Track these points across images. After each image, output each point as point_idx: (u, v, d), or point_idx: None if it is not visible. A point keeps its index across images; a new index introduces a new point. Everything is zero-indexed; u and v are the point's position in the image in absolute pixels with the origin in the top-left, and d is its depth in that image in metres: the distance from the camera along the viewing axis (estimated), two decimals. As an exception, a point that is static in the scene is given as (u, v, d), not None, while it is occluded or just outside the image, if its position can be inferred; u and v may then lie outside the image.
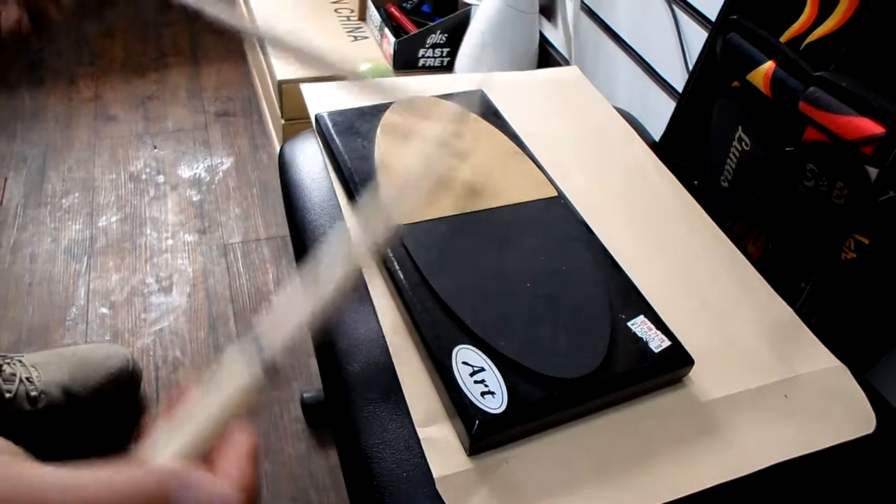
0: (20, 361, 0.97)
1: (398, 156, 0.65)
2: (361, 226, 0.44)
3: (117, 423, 1.03)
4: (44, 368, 0.98)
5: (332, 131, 0.67)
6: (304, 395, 1.06)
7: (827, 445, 0.50)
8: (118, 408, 1.03)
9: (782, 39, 0.62)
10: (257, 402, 0.35)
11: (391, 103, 0.71)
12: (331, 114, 0.69)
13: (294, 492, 0.98)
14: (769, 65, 0.62)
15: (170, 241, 1.34)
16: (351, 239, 0.42)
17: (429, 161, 0.51)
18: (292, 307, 0.38)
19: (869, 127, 0.54)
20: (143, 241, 1.33)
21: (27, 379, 0.95)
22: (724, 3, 0.69)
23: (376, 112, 0.69)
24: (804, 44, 0.61)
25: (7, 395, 0.93)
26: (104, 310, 1.19)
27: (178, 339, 1.16)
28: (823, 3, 0.59)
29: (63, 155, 1.50)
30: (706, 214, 0.67)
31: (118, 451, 1.00)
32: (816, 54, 0.60)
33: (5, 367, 0.95)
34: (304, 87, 0.75)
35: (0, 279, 1.23)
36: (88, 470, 0.26)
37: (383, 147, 0.66)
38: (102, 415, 1.01)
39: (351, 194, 0.62)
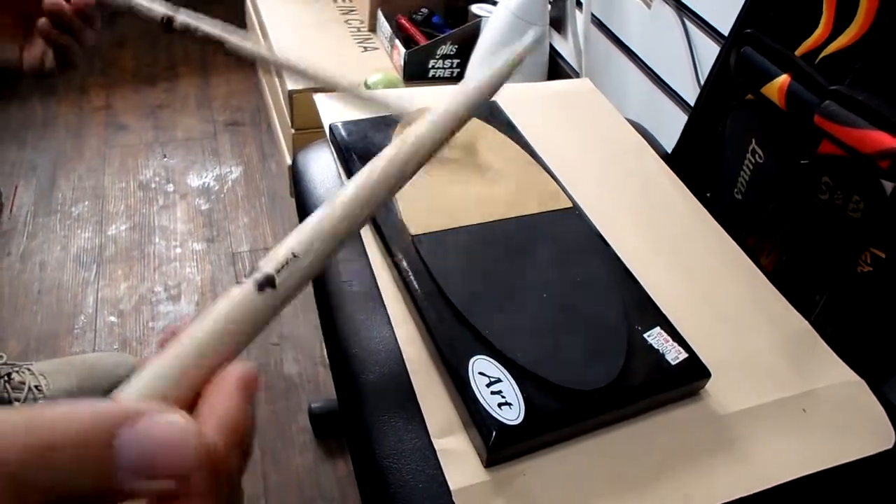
0: (29, 370, 0.97)
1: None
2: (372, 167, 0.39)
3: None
4: (52, 377, 0.98)
5: (347, 141, 0.67)
6: (312, 406, 1.06)
7: (845, 461, 0.50)
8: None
9: (797, 53, 0.63)
10: (256, 332, 0.30)
11: (405, 113, 0.71)
12: (345, 123, 0.69)
13: (301, 502, 0.98)
14: (784, 78, 0.62)
15: (178, 250, 1.34)
16: (359, 177, 0.37)
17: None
18: (297, 233, 0.33)
19: (885, 141, 0.54)
20: (151, 250, 1.33)
21: (36, 387, 0.95)
22: (738, 16, 0.69)
23: (391, 122, 0.70)
24: (819, 57, 0.61)
25: (16, 403, 0.93)
26: (112, 318, 1.19)
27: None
28: (839, 18, 0.59)
29: (73, 163, 1.51)
30: (720, 226, 0.67)
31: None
32: (832, 68, 0.60)
33: (14, 375, 0.95)
34: (317, 97, 0.75)
35: (9, 287, 1.23)
36: (46, 406, 0.22)
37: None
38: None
39: (365, 204, 0.62)
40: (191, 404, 0.26)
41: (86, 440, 0.21)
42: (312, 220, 0.33)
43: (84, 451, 0.21)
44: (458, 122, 0.43)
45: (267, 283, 0.30)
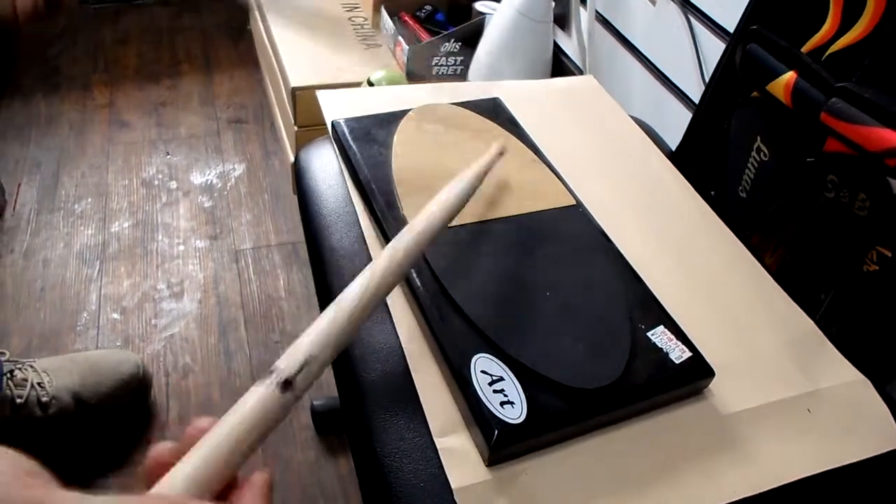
0: (31, 367, 0.97)
1: (415, 163, 0.65)
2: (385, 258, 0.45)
3: (127, 430, 1.03)
4: (55, 374, 0.98)
5: (349, 138, 0.67)
6: (314, 403, 1.06)
7: (850, 461, 0.50)
8: (128, 414, 1.03)
9: (804, 50, 0.62)
10: (275, 428, 0.33)
11: (408, 110, 0.70)
12: (347, 120, 0.69)
13: (303, 500, 0.98)
14: (790, 75, 0.62)
15: (181, 247, 1.34)
16: (374, 269, 0.43)
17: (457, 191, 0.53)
18: (312, 332, 0.38)
19: (893, 138, 0.53)
20: (154, 247, 1.33)
21: (38, 384, 0.95)
22: (744, 13, 0.69)
23: (393, 119, 0.69)
24: (826, 54, 0.61)
25: (18, 400, 0.93)
26: (115, 315, 1.19)
27: (188, 346, 1.16)
28: (846, 14, 0.58)
29: (76, 161, 1.51)
30: (724, 225, 0.67)
31: (127, 458, 1.00)
32: (839, 65, 0.59)
33: (17, 372, 0.95)
34: (320, 93, 0.75)
35: (13, 284, 1.23)
36: (100, 495, 0.25)
37: (400, 154, 0.65)
38: (112, 421, 1.01)
39: (367, 201, 0.62)
40: (223, 497, 0.30)
41: None
42: (323, 324, 0.38)
43: None
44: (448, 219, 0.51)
45: (288, 385, 0.34)
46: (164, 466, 0.30)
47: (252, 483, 0.31)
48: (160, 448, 0.31)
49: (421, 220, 0.48)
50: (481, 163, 0.57)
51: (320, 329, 0.38)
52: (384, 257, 0.44)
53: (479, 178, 0.56)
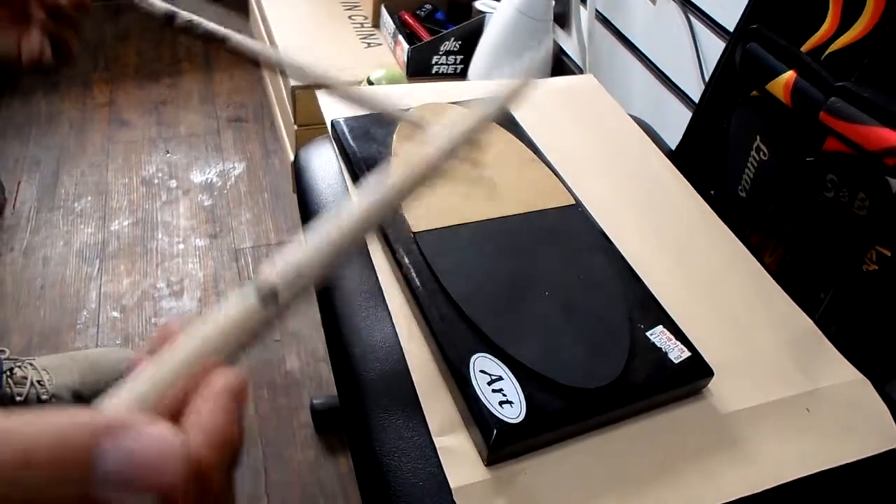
0: (31, 364, 0.97)
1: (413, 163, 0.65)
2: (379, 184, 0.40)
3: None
4: (55, 372, 0.98)
5: (349, 137, 0.67)
6: (314, 402, 1.06)
7: (849, 460, 0.50)
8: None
9: (803, 49, 0.62)
10: (254, 342, 0.29)
11: (407, 109, 0.70)
12: (347, 119, 0.69)
13: (302, 499, 0.98)
14: (789, 74, 0.62)
15: (181, 246, 1.34)
16: (368, 194, 0.37)
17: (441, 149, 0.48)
18: (301, 247, 0.33)
19: (892, 138, 0.53)
20: (154, 246, 1.33)
21: (38, 382, 0.95)
22: (744, 12, 0.69)
23: (392, 119, 0.69)
24: (825, 54, 0.61)
25: (18, 398, 0.93)
26: (115, 314, 1.19)
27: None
28: (846, 14, 0.58)
29: (76, 159, 1.51)
30: (723, 224, 0.67)
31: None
32: (838, 64, 0.59)
33: (17, 370, 0.95)
34: (319, 92, 0.75)
35: (12, 282, 1.23)
36: (31, 415, 0.21)
37: (399, 153, 0.65)
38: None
39: (367, 200, 0.62)
40: (180, 411, 0.25)
41: (63, 452, 0.21)
42: (318, 235, 0.34)
43: (62, 463, 0.21)
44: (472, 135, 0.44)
45: (271, 297, 0.30)
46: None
47: (212, 384, 0.26)
48: (139, 356, 0.27)
49: (425, 153, 0.42)
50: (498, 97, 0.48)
51: (316, 239, 0.34)
52: (381, 182, 0.39)
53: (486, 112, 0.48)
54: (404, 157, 0.42)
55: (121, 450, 0.21)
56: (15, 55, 0.48)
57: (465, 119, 0.46)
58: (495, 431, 0.45)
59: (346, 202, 0.38)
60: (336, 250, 0.34)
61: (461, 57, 1.35)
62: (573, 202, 0.63)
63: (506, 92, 0.51)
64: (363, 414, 0.50)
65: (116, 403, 0.25)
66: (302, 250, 0.33)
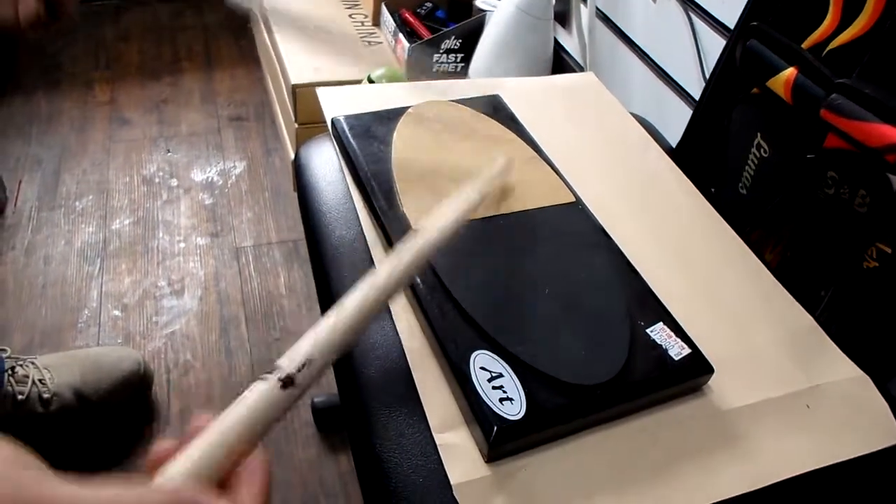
0: (33, 363, 0.98)
1: (415, 160, 0.65)
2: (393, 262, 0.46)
3: (128, 426, 1.03)
4: (56, 370, 0.98)
5: (349, 135, 0.67)
6: (315, 400, 1.06)
7: (849, 457, 0.50)
8: (129, 410, 1.03)
9: (804, 46, 0.62)
10: (277, 424, 0.34)
11: (408, 107, 0.70)
12: (347, 117, 0.69)
13: (304, 497, 0.98)
14: (790, 71, 0.61)
15: (182, 245, 1.34)
16: (379, 274, 0.44)
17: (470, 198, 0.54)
18: (316, 331, 0.39)
19: (893, 134, 0.53)
20: (155, 244, 1.33)
21: (40, 381, 0.95)
22: (744, 9, 0.69)
23: (393, 116, 0.69)
24: (826, 50, 0.60)
25: (20, 396, 0.93)
26: (116, 312, 1.20)
27: (189, 342, 1.16)
28: (846, 10, 0.58)
29: (78, 158, 1.51)
30: (724, 221, 0.67)
31: (128, 455, 1.00)
32: (839, 61, 0.59)
33: (18, 368, 0.96)
34: (320, 91, 0.75)
35: (14, 281, 1.24)
36: (99, 486, 0.26)
37: (400, 151, 0.65)
38: (113, 417, 1.01)
39: (367, 197, 0.62)
40: (222, 486, 0.30)
41: None
42: (324, 329, 0.39)
43: None
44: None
45: (289, 382, 0.35)
46: (166, 462, 0.30)
47: (249, 467, 0.31)
48: (162, 444, 0.31)
49: (426, 233, 0.49)
50: (486, 177, 0.58)
51: (321, 333, 0.39)
52: (386, 267, 0.45)
53: (484, 191, 0.57)
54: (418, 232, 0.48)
55: None
56: (13, 20, 0.49)
57: (454, 207, 0.52)
58: (496, 428, 0.45)
59: (350, 292, 0.43)
60: (343, 341, 0.40)
61: (462, 55, 1.35)
62: (573, 200, 0.63)
63: (492, 178, 0.58)
64: (364, 411, 0.50)
65: (176, 476, 0.29)
66: (313, 341, 0.38)
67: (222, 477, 0.31)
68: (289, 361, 0.36)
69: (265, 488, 0.31)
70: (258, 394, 0.34)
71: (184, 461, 0.30)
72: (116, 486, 0.26)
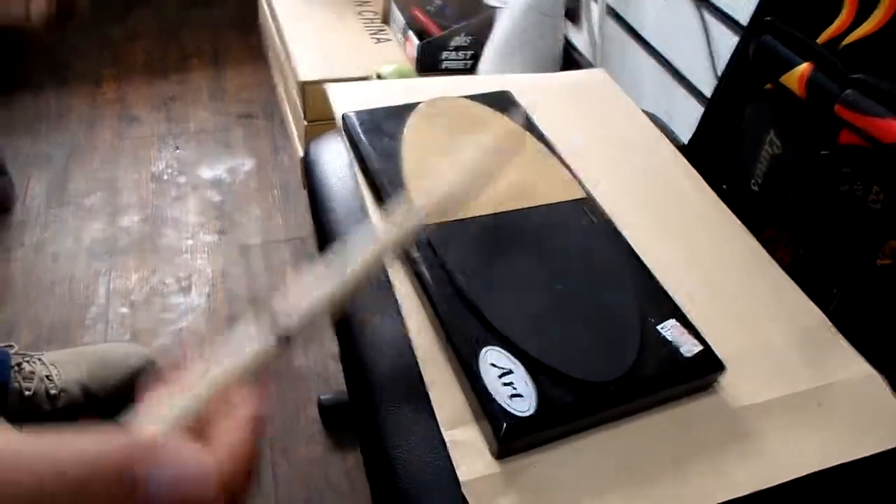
0: (40, 360, 0.98)
1: (426, 155, 0.65)
2: (390, 222, 0.45)
3: (136, 422, 1.03)
4: (63, 367, 0.98)
5: (359, 130, 0.67)
6: (322, 398, 1.06)
7: (861, 455, 0.49)
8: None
9: (818, 41, 0.61)
10: (266, 372, 0.33)
11: (418, 103, 0.70)
12: (358, 113, 0.68)
13: (309, 494, 0.98)
14: (805, 67, 0.61)
15: (190, 242, 1.34)
16: (378, 231, 0.43)
17: (469, 164, 0.52)
18: (313, 284, 0.37)
19: (908, 130, 0.53)
20: (163, 242, 1.34)
21: (47, 377, 0.96)
22: (758, 5, 0.68)
23: (403, 112, 0.69)
24: (841, 46, 0.60)
25: (27, 392, 0.93)
26: (124, 309, 1.20)
27: (196, 339, 1.16)
28: (862, 5, 0.58)
29: (86, 155, 1.51)
30: (736, 218, 0.66)
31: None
32: (854, 56, 0.58)
33: (25, 365, 0.96)
34: (329, 87, 0.75)
35: (22, 277, 1.24)
36: (61, 434, 0.24)
37: (410, 147, 0.65)
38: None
39: (377, 194, 0.62)
40: (203, 432, 0.29)
41: (100, 475, 0.23)
42: (333, 273, 0.38)
43: (99, 485, 0.23)
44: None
45: (287, 339, 0.34)
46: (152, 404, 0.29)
47: (235, 408, 0.30)
48: (153, 385, 0.30)
49: (436, 193, 0.48)
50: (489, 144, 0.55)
51: (326, 287, 0.38)
52: (386, 229, 0.44)
53: (495, 159, 0.54)
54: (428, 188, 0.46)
55: (169, 471, 0.24)
56: (26, 17, 0.49)
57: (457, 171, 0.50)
58: (505, 425, 0.44)
59: (360, 233, 0.42)
60: (346, 294, 0.38)
61: (471, 52, 1.34)
62: (584, 196, 0.63)
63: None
64: (372, 407, 0.50)
65: (147, 424, 0.28)
66: (316, 288, 0.37)
67: (207, 423, 0.29)
68: (289, 317, 0.35)
69: (250, 421, 0.29)
70: (255, 350, 0.33)
71: (165, 407, 0.29)
72: (80, 433, 0.24)
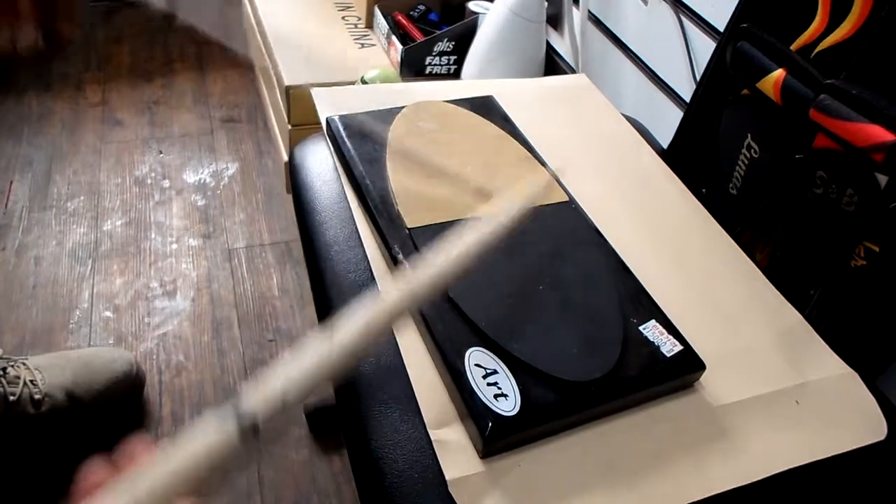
0: (24, 364, 0.97)
1: (409, 159, 0.65)
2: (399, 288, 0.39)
3: (120, 427, 1.03)
4: (48, 371, 0.97)
5: (343, 134, 0.67)
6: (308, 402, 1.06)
7: (838, 452, 0.50)
8: (121, 412, 1.03)
9: (793, 47, 0.63)
10: (227, 472, 0.28)
11: (402, 107, 0.71)
12: (342, 117, 0.69)
13: (297, 498, 0.98)
14: (779, 73, 0.62)
15: (174, 246, 1.34)
16: (375, 300, 0.37)
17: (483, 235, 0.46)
18: (287, 367, 0.31)
19: (880, 134, 0.54)
20: (147, 245, 1.33)
21: (31, 382, 0.95)
22: (734, 11, 0.69)
23: (387, 116, 0.70)
24: (815, 52, 0.61)
25: (11, 397, 0.93)
26: (108, 313, 1.19)
27: (181, 344, 1.16)
28: (835, 12, 0.59)
29: (69, 159, 1.50)
30: (715, 221, 0.68)
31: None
32: (827, 62, 0.60)
33: (9, 369, 0.95)
34: (314, 91, 0.75)
35: (4, 281, 1.23)
36: None
37: (394, 150, 0.66)
38: (105, 418, 1.01)
39: (361, 197, 0.63)
40: None
41: None
42: (306, 362, 0.31)
43: None
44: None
45: (252, 431, 0.28)
46: (97, 487, 0.26)
47: None
48: (93, 469, 0.27)
49: (434, 264, 0.42)
50: (518, 200, 0.49)
51: (304, 365, 0.32)
52: (388, 299, 0.38)
53: (508, 226, 0.48)
54: (404, 278, 0.39)
55: None
56: (12, 46, 0.49)
57: (472, 236, 0.45)
58: (490, 424, 0.45)
59: (334, 327, 0.35)
60: (328, 372, 0.32)
61: (454, 57, 1.35)
62: (567, 199, 0.64)
63: (525, 200, 0.50)
64: (359, 407, 0.51)
65: None
66: (290, 371, 0.30)
67: None
68: (257, 400, 0.29)
69: None
70: (211, 440, 0.27)
71: (110, 500, 0.25)
72: None
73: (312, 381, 0.31)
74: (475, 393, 0.47)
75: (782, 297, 0.61)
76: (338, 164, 0.68)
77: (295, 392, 0.30)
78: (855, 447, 0.51)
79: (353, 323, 0.35)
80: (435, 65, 1.35)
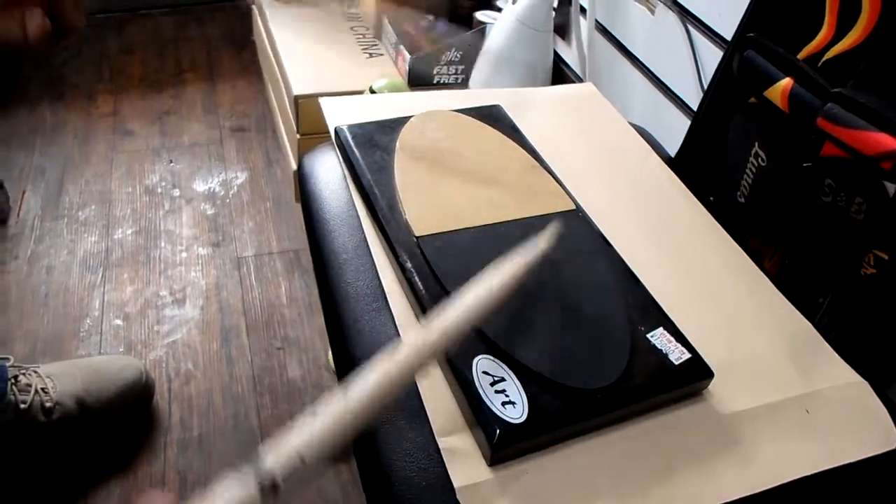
0: (35, 372, 0.98)
1: (417, 169, 0.66)
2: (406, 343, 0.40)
3: (130, 435, 1.03)
4: (59, 379, 0.98)
5: (352, 144, 0.68)
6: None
7: (848, 461, 0.50)
8: (131, 419, 1.04)
9: (800, 56, 0.63)
10: None
11: (410, 117, 0.71)
12: (350, 126, 0.70)
13: (305, 506, 0.98)
14: (787, 81, 0.62)
15: (184, 254, 1.35)
16: (390, 355, 0.38)
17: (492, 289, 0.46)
18: (307, 427, 0.33)
19: (888, 142, 0.54)
20: (157, 254, 1.34)
21: (42, 390, 0.96)
22: (741, 20, 0.70)
23: (395, 125, 0.70)
24: (822, 60, 0.61)
25: (22, 405, 0.93)
26: (118, 321, 1.20)
27: (190, 352, 1.16)
28: (842, 20, 0.59)
29: (81, 168, 1.52)
30: (723, 230, 0.67)
31: (129, 463, 1.00)
32: (835, 71, 0.60)
33: (21, 377, 0.96)
34: (323, 100, 0.76)
35: (17, 290, 1.24)
36: None
37: (402, 159, 0.66)
38: (115, 426, 1.02)
39: (370, 206, 0.63)
40: None
41: None
42: (323, 421, 0.33)
43: None
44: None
45: (272, 489, 0.29)
46: None
47: None
48: None
49: (450, 316, 0.43)
50: (519, 262, 0.49)
51: (320, 425, 0.33)
52: (404, 352, 0.39)
53: (517, 278, 0.48)
54: (415, 337, 0.40)
55: None
56: (20, 38, 0.49)
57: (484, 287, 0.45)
58: (498, 432, 0.45)
59: (354, 382, 0.36)
60: (346, 430, 0.33)
61: (462, 67, 1.36)
62: (574, 207, 0.64)
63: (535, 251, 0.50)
64: (367, 415, 0.51)
65: None
66: (307, 431, 0.32)
67: None
68: (276, 460, 0.30)
69: None
70: (229, 496, 0.28)
71: None
72: None
73: (331, 440, 0.33)
74: (483, 400, 0.47)
75: (791, 306, 0.61)
76: (346, 173, 0.69)
77: (313, 451, 0.31)
78: (865, 457, 0.51)
79: (370, 379, 0.36)
80: (443, 74, 1.36)
